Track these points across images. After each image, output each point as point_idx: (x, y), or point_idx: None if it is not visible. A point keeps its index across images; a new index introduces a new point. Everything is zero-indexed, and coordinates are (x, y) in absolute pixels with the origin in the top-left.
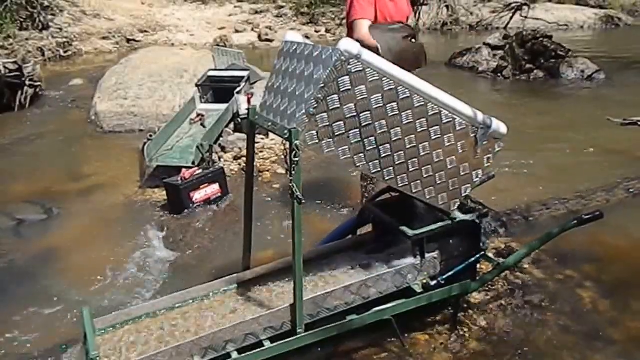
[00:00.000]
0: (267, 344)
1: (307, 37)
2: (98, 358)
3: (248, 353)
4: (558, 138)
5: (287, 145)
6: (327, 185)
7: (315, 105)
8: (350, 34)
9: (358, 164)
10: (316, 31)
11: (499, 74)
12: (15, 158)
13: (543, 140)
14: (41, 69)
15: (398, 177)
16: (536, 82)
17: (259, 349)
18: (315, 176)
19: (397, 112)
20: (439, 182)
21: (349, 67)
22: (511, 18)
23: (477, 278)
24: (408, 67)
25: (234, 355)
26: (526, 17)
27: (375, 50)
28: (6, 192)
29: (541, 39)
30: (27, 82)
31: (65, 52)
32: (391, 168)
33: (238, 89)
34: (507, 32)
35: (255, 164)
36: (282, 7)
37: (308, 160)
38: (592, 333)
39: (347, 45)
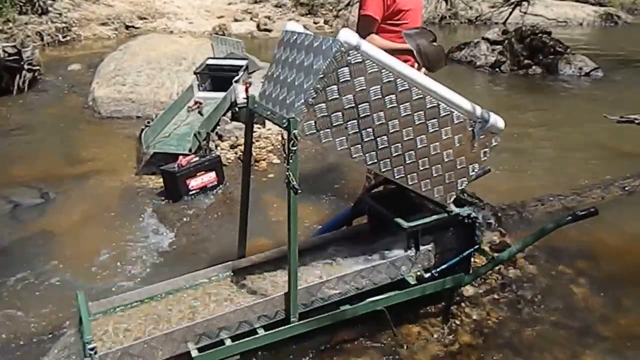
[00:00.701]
0: (261, 331)
1: (305, 28)
2: (92, 342)
3: (241, 340)
4: (554, 134)
5: (285, 135)
6: (323, 177)
7: (314, 96)
8: (358, 27)
9: (355, 155)
10: (315, 22)
11: (497, 69)
12: (12, 142)
13: (539, 136)
14: (40, 54)
15: (394, 169)
16: (534, 77)
17: (252, 337)
18: (312, 167)
19: (396, 105)
20: (435, 175)
21: (349, 58)
22: (510, 13)
23: (471, 271)
24: (436, 67)
25: (228, 342)
26: (525, 13)
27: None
28: (2, 175)
29: (540, 34)
30: (26, 66)
31: (64, 37)
32: (388, 160)
33: (236, 77)
34: (506, 27)
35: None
36: None
37: (304, 152)
38: (583, 329)
39: (347, 36)
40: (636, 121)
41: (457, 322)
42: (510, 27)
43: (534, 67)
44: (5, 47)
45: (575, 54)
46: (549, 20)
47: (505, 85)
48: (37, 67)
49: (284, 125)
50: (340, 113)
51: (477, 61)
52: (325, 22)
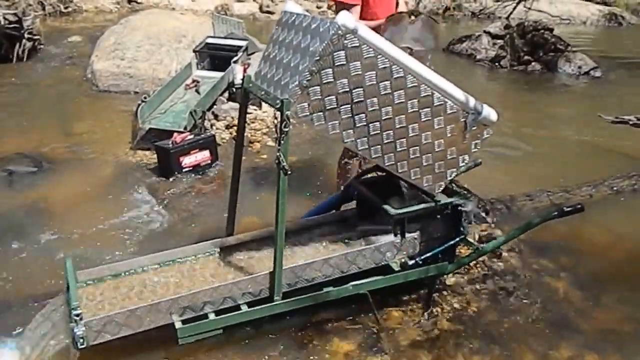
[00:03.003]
0: (244, 308)
1: (307, 12)
2: (78, 308)
3: (225, 315)
4: (548, 131)
5: (278, 115)
6: (316, 162)
7: (309, 78)
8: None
9: (346, 140)
10: (318, 7)
11: (497, 63)
12: (8, 110)
13: (533, 133)
14: (40, 24)
15: (385, 155)
16: (533, 74)
17: (236, 312)
18: (305, 153)
19: (390, 91)
20: (425, 164)
21: (345, 41)
22: (514, 8)
23: (455, 261)
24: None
25: (211, 316)
26: (529, 9)
27: None
28: None
29: (542, 31)
30: (26, 35)
31: (65, 8)
32: (379, 146)
33: (235, 58)
34: (509, 21)
35: (246, 134)
36: None
37: (299, 136)
38: (561, 322)
39: (345, 19)
40: (630, 122)
41: (438, 309)
42: (514, 22)
43: (533, 63)
44: (6, 15)
45: (576, 52)
46: (553, 17)
47: (503, 80)
48: (37, 37)
49: (277, 106)
50: (334, 97)
51: (478, 54)
52: (329, 7)
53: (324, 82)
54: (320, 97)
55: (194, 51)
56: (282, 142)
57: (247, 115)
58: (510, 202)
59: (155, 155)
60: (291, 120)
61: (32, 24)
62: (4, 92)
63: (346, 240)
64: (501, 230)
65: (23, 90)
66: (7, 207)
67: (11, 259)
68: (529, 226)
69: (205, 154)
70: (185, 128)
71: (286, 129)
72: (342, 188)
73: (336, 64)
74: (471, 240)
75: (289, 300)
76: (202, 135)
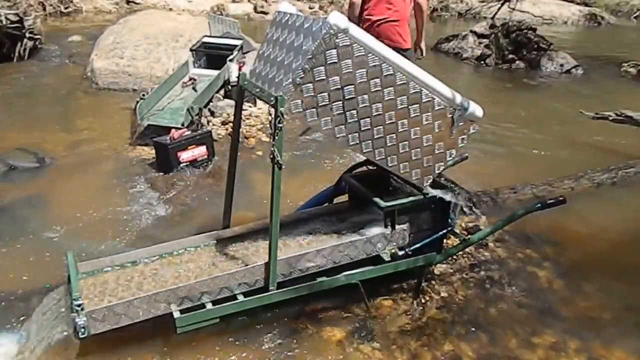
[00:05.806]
0: (241, 298)
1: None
2: (80, 299)
3: (222, 305)
4: (531, 127)
5: (273, 112)
6: (311, 156)
7: (302, 76)
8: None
9: (338, 135)
10: (310, 7)
11: (482, 62)
12: (10, 107)
13: (517, 128)
14: (41, 23)
15: (375, 150)
16: (517, 72)
17: (232, 302)
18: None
19: (380, 88)
20: (414, 158)
21: (337, 40)
22: (499, 8)
23: (443, 251)
24: None
25: (209, 306)
26: (513, 9)
27: None
28: (0, 139)
29: (525, 30)
30: (27, 35)
31: (65, 8)
32: (369, 141)
33: (231, 56)
34: (494, 22)
35: (241, 130)
36: None
37: (292, 132)
38: (545, 309)
39: (336, 19)
40: (610, 118)
41: (427, 298)
42: (498, 22)
43: (517, 61)
44: (8, 15)
45: (558, 51)
46: (536, 17)
47: (489, 77)
48: (38, 36)
49: (272, 103)
50: (326, 94)
51: (464, 53)
52: (320, 8)
53: (317, 79)
54: (313, 94)
55: (191, 50)
56: (276, 137)
57: (242, 112)
58: (495, 195)
59: (153, 151)
60: (285, 116)
61: (33, 24)
62: (6, 90)
63: (338, 232)
64: (487, 222)
65: (25, 88)
66: (10, 201)
67: (13, 251)
68: (513, 218)
69: (202, 149)
70: (182, 124)
71: (280, 125)
72: None
73: (328, 62)
74: (458, 231)
75: (283, 290)
76: (199, 131)
